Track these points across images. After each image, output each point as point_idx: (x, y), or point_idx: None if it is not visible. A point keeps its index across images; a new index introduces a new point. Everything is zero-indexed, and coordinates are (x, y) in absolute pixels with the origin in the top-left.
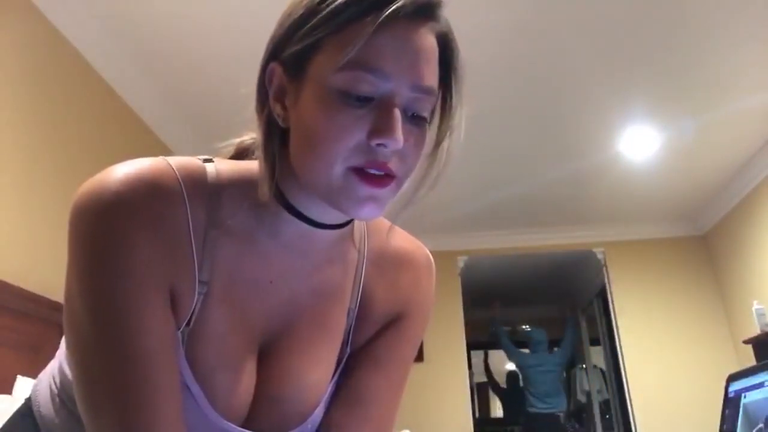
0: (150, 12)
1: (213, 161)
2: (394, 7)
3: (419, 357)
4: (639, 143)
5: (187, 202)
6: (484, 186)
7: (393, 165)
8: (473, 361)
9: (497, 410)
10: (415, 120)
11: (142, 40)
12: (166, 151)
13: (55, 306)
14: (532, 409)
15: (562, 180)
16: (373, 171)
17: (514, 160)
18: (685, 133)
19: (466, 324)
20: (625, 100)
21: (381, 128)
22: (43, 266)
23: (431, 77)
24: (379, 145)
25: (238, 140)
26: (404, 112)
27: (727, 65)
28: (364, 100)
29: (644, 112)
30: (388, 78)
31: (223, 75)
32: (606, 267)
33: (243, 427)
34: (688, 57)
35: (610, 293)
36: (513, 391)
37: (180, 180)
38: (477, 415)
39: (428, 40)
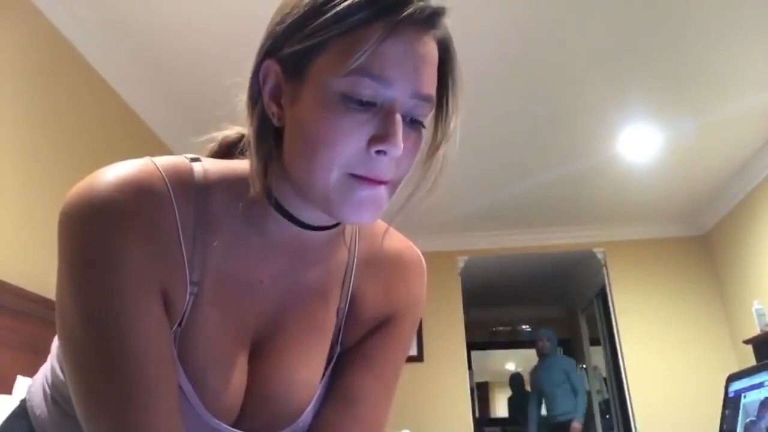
0: (150, 12)
1: (200, 160)
2: (404, 15)
3: (419, 357)
4: (639, 143)
5: (174, 203)
6: (484, 186)
7: (389, 174)
8: (473, 361)
9: (496, 410)
10: (413, 125)
11: (142, 39)
12: (166, 151)
13: (54, 306)
14: (552, 419)
15: (562, 180)
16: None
17: (514, 160)
18: (685, 134)
19: (466, 324)
20: (625, 100)
21: (383, 135)
22: (43, 266)
23: (431, 84)
24: (378, 151)
25: (221, 135)
26: (403, 118)
27: (727, 65)
28: (366, 105)
29: (644, 112)
30: (391, 85)
31: (223, 74)
32: (606, 267)
33: (234, 426)
34: (688, 57)
35: (610, 293)
36: (518, 394)
37: (167, 181)
38: (477, 415)
39: (431, 48)
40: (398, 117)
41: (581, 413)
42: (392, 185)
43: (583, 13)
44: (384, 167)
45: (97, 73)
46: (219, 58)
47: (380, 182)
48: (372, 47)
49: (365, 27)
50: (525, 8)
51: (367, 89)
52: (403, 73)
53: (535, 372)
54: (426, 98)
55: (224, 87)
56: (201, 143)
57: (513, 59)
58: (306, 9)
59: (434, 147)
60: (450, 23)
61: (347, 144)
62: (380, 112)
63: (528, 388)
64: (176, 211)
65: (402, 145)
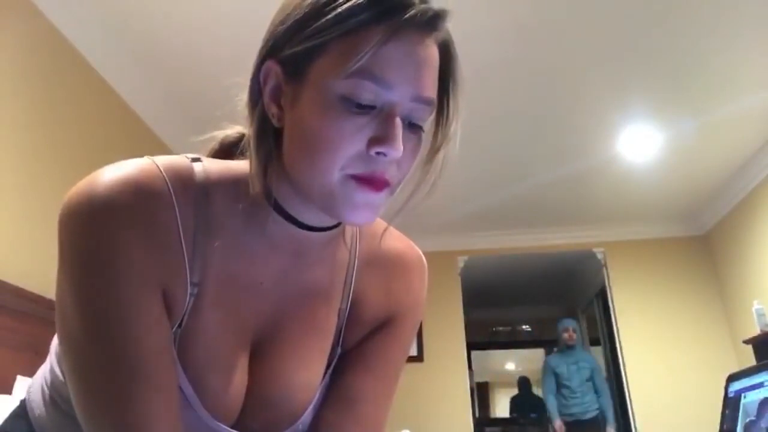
0: (150, 12)
1: (201, 160)
2: (406, 17)
3: (419, 357)
4: (639, 143)
5: (175, 203)
6: (484, 186)
7: (389, 174)
8: (473, 361)
9: (496, 410)
10: (412, 128)
11: (142, 40)
12: (166, 151)
13: (54, 306)
14: (570, 417)
15: (562, 180)
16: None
17: (515, 160)
18: (685, 134)
19: (466, 324)
20: (625, 100)
21: (382, 137)
22: (43, 266)
23: (432, 87)
24: (378, 153)
25: (221, 134)
26: (403, 120)
27: (727, 65)
28: (365, 108)
29: (644, 112)
30: (391, 88)
31: (223, 74)
32: (606, 267)
33: (234, 427)
34: (688, 57)
35: (610, 293)
36: (524, 396)
37: (167, 181)
38: (477, 415)
39: (432, 51)
40: (398, 119)
41: (612, 415)
42: (392, 187)
43: (583, 14)
44: (384, 167)
45: (97, 73)
46: (219, 58)
47: (380, 185)
48: (373, 50)
49: (366, 29)
50: (525, 9)
51: (368, 92)
52: (404, 76)
53: (556, 364)
54: (427, 101)
55: (224, 87)
56: (201, 143)
57: (513, 59)
58: (307, 10)
59: (434, 149)
60: (450, 24)
61: (347, 146)
62: (380, 115)
63: (539, 385)
64: (177, 211)
65: (402, 148)
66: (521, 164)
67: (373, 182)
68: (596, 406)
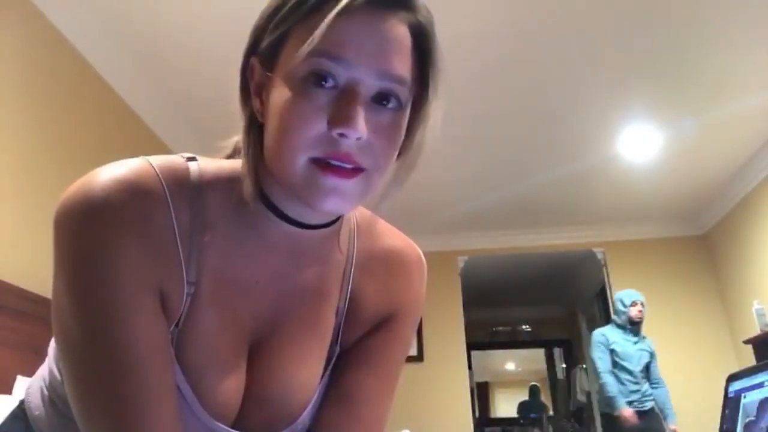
0: (150, 12)
1: (197, 160)
2: None
3: (419, 357)
4: (639, 143)
5: (170, 203)
6: (484, 186)
7: (358, 157)
8: (473, 361)
9: (496, 410)
10: (385, 110)
11: (142, 40)
12: (166, 150)
13: None
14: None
15: (562, 180)
16: (335, 163)
17: (514, 159)
18: (685, 133)
19: (466, 324)
20: (625, 100)
21: (340, 117)
22: (43, 266)
23: (401, 66)
24: (340, 135)
25: (237, 138)
26: (371, 101)
27: (727, 65)
28: (327, 88)
29: (644, 112)
30: (350, 65)
31: (222, 75)
32: (606, 267)
33: (232, 427)
34: (688, 57)
35: (610, 293)
36: (532, 402)
37: (163, 181)
38: (477, 415)
39: (397, 29)
40: (357, 98)
41: (672, 410)
42: (367, 174)
43: (583, 14)
44: (348, 149)
45: (97, 73)
46: (219, 58)
47: (347, 171)
48: (323, 28)
49: (321, 12)
50: (524, 8)
51: (325, 70)
52: (363, 53)
53: (614, 340)
54: (394, 79)
55: (224, 87)
56: (221, 147)
57: (512, 59)
58: (274, 2)
59: (408, 132)
60: (450, 23)
61: (307, 127)
62: (339, 95)
63: (544, 386)
64: (172, 211)
65: (362, 127)
66: (521, 164)
67: (338, 168)
68: (651, 396)
